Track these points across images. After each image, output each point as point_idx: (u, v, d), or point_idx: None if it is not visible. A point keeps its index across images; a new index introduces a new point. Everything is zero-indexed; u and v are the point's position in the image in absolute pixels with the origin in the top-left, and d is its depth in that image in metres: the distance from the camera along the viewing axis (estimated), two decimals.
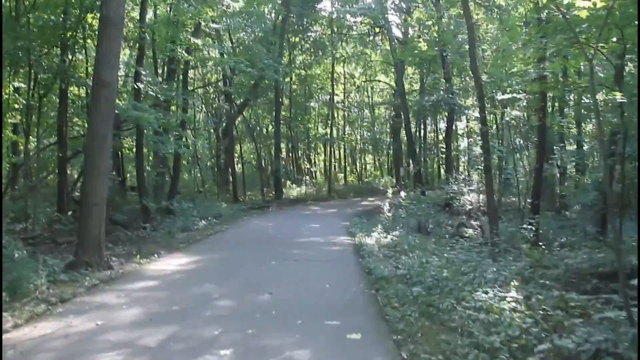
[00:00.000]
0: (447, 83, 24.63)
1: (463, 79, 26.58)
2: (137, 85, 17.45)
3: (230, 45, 31.40)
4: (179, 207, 20.64)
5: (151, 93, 19.08)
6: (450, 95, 23.78)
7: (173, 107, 24.87)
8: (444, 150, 34.25)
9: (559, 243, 15.40)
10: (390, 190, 19.56)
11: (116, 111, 13.26)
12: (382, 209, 19.85)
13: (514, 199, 21.54)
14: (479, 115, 25.20)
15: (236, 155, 41.01)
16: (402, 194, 18.94)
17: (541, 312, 7.21)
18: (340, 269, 11.51)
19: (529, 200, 19.92)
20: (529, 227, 16.49)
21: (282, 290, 9.30)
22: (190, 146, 38.76)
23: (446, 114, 26.58)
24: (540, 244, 15.58)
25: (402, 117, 28.21)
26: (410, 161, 35.01)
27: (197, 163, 39.35)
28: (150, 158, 27.09)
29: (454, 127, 27.19)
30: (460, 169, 31.63)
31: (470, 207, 21.12)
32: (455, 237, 17.51)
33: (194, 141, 35.68)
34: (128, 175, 29.27)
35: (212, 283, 9.74)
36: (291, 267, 11.56)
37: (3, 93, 23.23)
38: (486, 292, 8.34)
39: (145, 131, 18.84)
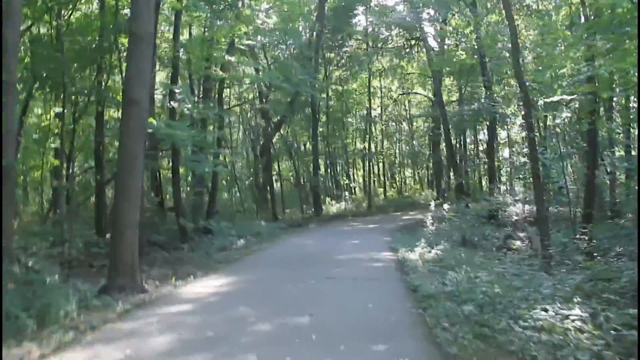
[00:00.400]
0: (488, 91, 23.79)
1: (503, 87, 25.65)
2: (171, 104, 17.11)
3: (266, 62, 31.12)
4: (217, 226, 20.22)
5: (187, 112, 18.80)
6: (492, 104, 22.92)
7: (210, 127, 24.60)
8: (485, 161, 33.34)
9: (616, 253, 14.44)
10: (432, 204, 18.77)
11: (150, 130, 12.88)
12: (425, 223, 19.07)
13: (563, 209, 20.58)
14: (522, 122, 24.42)
15: (274, 173, 40.81)
16: (445, 206, 18.14)
17: (612, 332, 6.42)
18: (384, 287, 10.80)
19: (579, 210, 19.00)
20: (582, 237, 15.60)
21: (322, 311, 8.68)
22: (228, 165, 38.91)
23: (487, 123, 25.67)
24: (595, 254, 14.69)
25: (442, 128, 27.35)
26: (452, 173, 34.17)
27: (235, 182, 39.44)
28: (189, 178, 26.88)
29: (495, 137, 26.18)
30: (503, 179, 30.49)
31: (517, 217, 20.17)
32: (503, 250, 16.68)
33: (232, 160, 35.65)
34: (167, 196, 29.19)
35: (248, 306, 9.16)
36: (332, 286, 10.92)
37: (45, 118, 23.56)
38: (545, 310, 7.59)
39: (182, 151, 18.57)
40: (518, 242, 17.35)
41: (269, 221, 28.33)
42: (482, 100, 24.17)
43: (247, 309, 8.89)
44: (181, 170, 23.32)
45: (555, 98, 14.79)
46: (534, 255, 15.46)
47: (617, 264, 12.51)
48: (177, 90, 17.75)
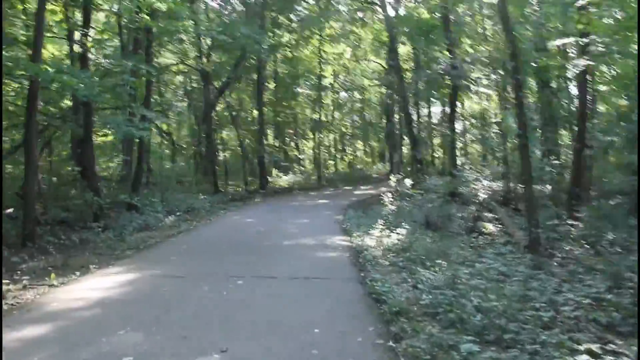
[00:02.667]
0: (451, 55, 20.83)
1: (466, 52, 22.64)
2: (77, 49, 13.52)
3: (206, 17, 27.47)
4: (142, 201, 16.82)
5: (104, 64, 15.27)
6: (455, 66, 19.98)
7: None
8: (443, 133, 30.55)
9: (608, 241, 11.76)
10: (393, 178, 15.76)
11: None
12: (382, 200, 16.11)
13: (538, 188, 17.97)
14: (488, 88, 21.55)
15: (219, 142, 37.27)
16: (407, 181, 15.19)
17: None
18: (336, 293, 7.68)
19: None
20: (566, 220, 12.94)
21: (243, 342, 5.55)
22: (172, 133, 35.30)
23: (448, 91, 22.70)
24: (584, 242, 12.01)
25: (398, 97, 24.28)
26: (404, 147, 31.44)
27: (179, 152, 35.80)
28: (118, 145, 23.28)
29: (455, 105, 23.23)
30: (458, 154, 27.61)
31: (483, 196, 17.37)
32: (473, 234, 13.87)
33: (169, 126, 32.00)
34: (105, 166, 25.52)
35: (136, 328, 6.00)
36: (264, 291, 7.75)
37: None
38: (594, 356, 4.66)
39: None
40: (490, 226, 14.55)
41: (210, 195, 25.04)
42: (444, 63, 21.13)
43: (131, 337, 5.71)
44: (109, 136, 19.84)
45: (567, 40, 11.80)
46: (512, 242, 12.71)
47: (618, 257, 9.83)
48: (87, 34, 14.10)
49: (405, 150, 38.74)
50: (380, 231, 13.41)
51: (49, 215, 14.46)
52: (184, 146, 34.19)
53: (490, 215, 16.26)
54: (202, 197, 22.58)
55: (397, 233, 13.10)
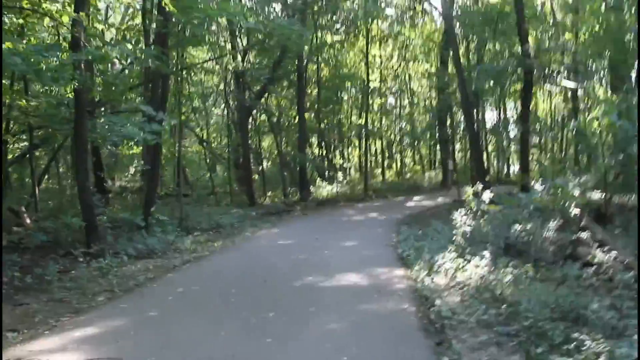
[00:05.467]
0: (523, 46, 16.78)
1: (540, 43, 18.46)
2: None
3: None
4: (148, 219, 13.36)
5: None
6: (529, 57, 16.02)
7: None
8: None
9: None
10: (469, 190, 11.81)
11: None
12: (452, 217, 12.20)
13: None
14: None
15: (254, 149, 33.90)
16: (487, 194, 11.27)
17: None
18: None
19: None
20: None
21: None
22: (211, 141, 32.04)
23: (517, 87, 18.62)
24: None
25: (459, 94, 20.23)
26: (459, 152, 27.43)
27: (216, 161, 32.56)
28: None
29: (530, 100, 19.03)
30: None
31: (576, 211, 13.21)
32: (576, 265, 9.85)
33: (202, 132, 28.76)
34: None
35: None
36: None
37: None
38: None
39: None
40: (597, 252, 10.47)
41: (244, 207, 21.57)
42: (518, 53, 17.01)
43: None
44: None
45: None
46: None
47: None
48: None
49: (457, 158, 34.70)
50: (451, 261, 9.61)
51: (29, 240, 11.12)
52: (224, 156, 30.88)
53: (585, 235, 12.17)
54: (233, 211, 19.12)
55: (474, 264, 9.30)
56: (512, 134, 33.69)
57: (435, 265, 9.55)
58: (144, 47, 16.32)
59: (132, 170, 21.34)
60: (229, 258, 11.23)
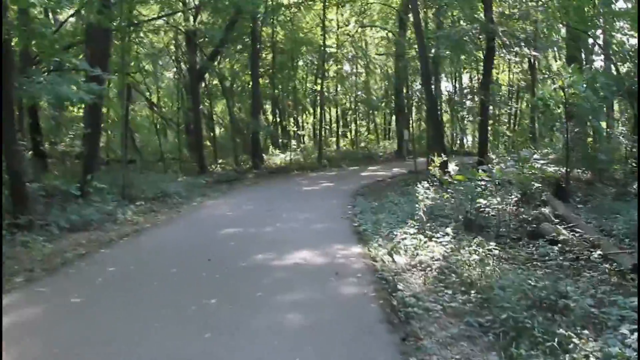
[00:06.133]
0: (487, 12, 16.07)
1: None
2: None
3: None
4: (86, 187, 12.21)
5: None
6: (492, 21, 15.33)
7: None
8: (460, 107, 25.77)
9: None
10: (435, 160, 10.98)
11: None
12: (415, 188, 11.52)
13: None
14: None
15: (215, 116, 32.63)
16: (452, 166, 10.58)
17: None
18: None
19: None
20: None
21: None
22: (161, 105, 30.50)
23: (474, 57, 17.95)
24: None
25: (419, 60, 19.35)
26: (416, 121, 26.85)
27: (169, 126, 31.14)
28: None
29: (491, 68, 18.39)
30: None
31: (538, 185, 12.67)
32: (539, 242, 9.30)
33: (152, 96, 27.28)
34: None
35: None
36: None
37: None
38: None
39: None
40: (561, 229, 9.94)
41: (195, 175, 20.52)
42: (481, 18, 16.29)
43: None
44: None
45: None
46: (614, 262, 8.14)
47: None
48: None
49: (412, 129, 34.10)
50: (412, 237, 8.93)
51: None
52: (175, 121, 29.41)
53: (547, 211, 11.68)
54: (181, 179, 18.07)
55: (437, 241, 8.65)
56: (467, 104, 33.40)
57: (394, 241, 8.88)
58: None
59: (72, 134, 19.85)
60: (172, 231, 10.28)
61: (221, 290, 6.14)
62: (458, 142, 36.67)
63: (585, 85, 11.63)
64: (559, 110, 12.59)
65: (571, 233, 9.63)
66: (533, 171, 9.74)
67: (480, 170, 10.07)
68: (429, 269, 7.22)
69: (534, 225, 10.18)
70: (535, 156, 11.08)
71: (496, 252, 8.21)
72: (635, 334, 4.57)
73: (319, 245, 8.59)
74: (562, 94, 11.75)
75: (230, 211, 12.63)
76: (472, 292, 6.01)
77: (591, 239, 9.21)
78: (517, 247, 8.94)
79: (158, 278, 6.66)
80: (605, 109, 13.08)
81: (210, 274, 6.84)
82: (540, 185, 12.37)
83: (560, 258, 8.08)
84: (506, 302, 5.25)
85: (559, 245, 8.91)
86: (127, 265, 7.32)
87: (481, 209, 10.40)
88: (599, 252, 8.23)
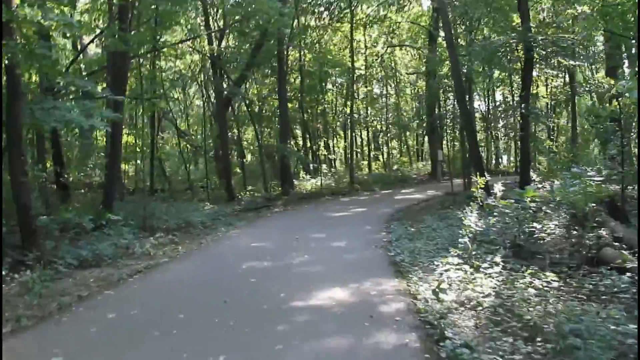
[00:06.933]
0: (525, 22, 14.97)
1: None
2: None
3: None
4: (98, 219, 11.35)
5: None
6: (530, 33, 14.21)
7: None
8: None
9: None
10: (479, 182, 9.73)
11: None
12: (461, 217, 10.33)
13: None
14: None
15: (246, 143, 31.95)
16: (497, 187, 9.45)
17: None
18: None
19: None
20: None
21: None
22: (181, 129, 29.89)
23: (518, 65, 16.74)
24: None
25: (452, 76, 18.25)
26: (453, 141, 25.62)
27: (198, 154, 30.62)
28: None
29: (531, 81, 17.16)
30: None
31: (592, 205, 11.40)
32: (601, 273, 8.04)
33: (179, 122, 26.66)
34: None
35: None
36: None
37: None
38: None
39: None
40: (627, 255, 8.66)
41: (223, 203, 19.69)
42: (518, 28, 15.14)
43: None
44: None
45: None
46: None
47: None
48: None
49: (446, 149, 32.84)
50: (456, 268, 7.80)
51: None
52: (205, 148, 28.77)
53: (605, 233, 10.37)
54: (207, 208, 17.22)
55: (485, 272, 7.51)
56: (500, 123, 32.09)
57: (436, 273, 7.75)
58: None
59: (91, 164, 19.25)
60: (190, 266, 9.29)
61: (234, 342, 5.11)
62: (493, 161, 35.31)
63: None
64: (609, 123, 11.32)
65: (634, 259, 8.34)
66: (590, 190, 8.47)
67: (530, 190, 8.88)
68: (479, 307, 6.10)
69: (594, 251, 8.91)
70: (589, 173, 9.82)
71: (555, 284, 7.06)
72: None
73: (350, 279, 7.52)
74: (617, 104, 10.53)
75: (255, 242, 11.62)
76: (538, 338, 4.88)
77: None
78: (578, 277, 7.70)
79: (162, 326, 5.65)
80: None
81: (223, 320, 5.82)
82: (594, 204, 11.12)
83: (633, 290, 6.87)
84: (590, 355, 4.11)
85: (628, 274, 7.68)
86: (130, 310, 6.33)
87: (532, 234, 9.23)
88: None
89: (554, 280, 7.11)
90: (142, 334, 5.46)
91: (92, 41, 16.46)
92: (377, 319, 5.73)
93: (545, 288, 6.82)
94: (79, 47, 20.21)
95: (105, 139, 17.39)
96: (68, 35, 11.82)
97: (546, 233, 9.54)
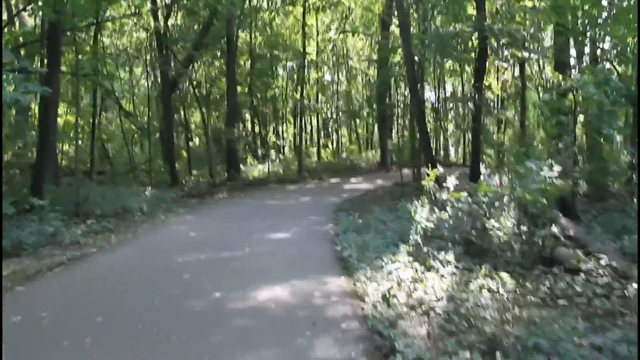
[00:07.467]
0: (479, 13, 14.55)
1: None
2: None
3: None
4: (27, 202, 10.32)
5: None
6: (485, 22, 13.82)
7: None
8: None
9: None
10: (430, 174, 9.16)
11: None
12: (388, 199, 9.86)
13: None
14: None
15: (194, 126, 30.89)
16: (451, 180, 8.94)
17: None
18: None
19: None
20: None
21: None
22: (138, 114, 28.56)
23: (471, 56, 16.38)
24: None
25: (404, 64, 17.70)
26: (401, 130, 25.31)
27: (142, 136, 29.26)
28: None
29: (485, 71, 16.78)
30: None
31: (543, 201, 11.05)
32: (555, 274, 7.64)
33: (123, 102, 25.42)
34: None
35: None
36: None
37: None
38: None
39: None
40: (580, 254, 8.31)
41: (166, 188, 18.73)
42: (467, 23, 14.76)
43: None
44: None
45: None
46: None
47: None
48: None
49: (396, 139, 32.55)
50: (406, 266, 7.30)
51: None
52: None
53: (555, 230, 10.04)
54: (147, 193, 16.27)
55: (437, 271, 7.05)
56: (451, 114, 32.00)
57: (385, 271, 7.20)
58: None
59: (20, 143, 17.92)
60: (119, 258, 8.44)
61: (155, 353, 4.41)
62: (442, 152, 35.20)
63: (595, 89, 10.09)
64: (563, 118, 11.00)
65: (594, 261, 7.98)
66: (552, 187, 8.04)
67: (486, 184, 8.43)
68: (432, 312, 5.57)
69: (548, 250, 8.53)
70: (543, 168, 9.44)
71: (509, 285, 6.63)
72: None
73: (293, 277, 6.89)
74: (572, 97, 10.20)
75: (194, 231, 10.84)
76: (497, 352, 4.37)
77: (618, 267, 7.62)
78: (532, 278, 7.28)
79: (74, 334, 4.87)
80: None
81: (147, 326, 5.08)
82: (544, 201, 10.79)
83: (589, 293, 6.49)
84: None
85: (582, 275, 7.33)
86: (40, 312, 5.50)
87: (484, 230, 8.78)
88: (634, 284, 6.72)
89: (507, 282, 6.71)
90: (47, 344, 4.66)
91: (22, 10, 15.20)
92: (320, 326, 5.11)
93: (498, 290, 6.39)
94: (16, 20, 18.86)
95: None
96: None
97: (499, 230, 9.11)
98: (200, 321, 5.27)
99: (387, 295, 5.65)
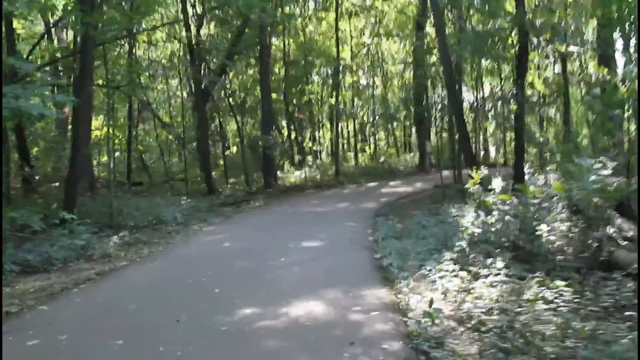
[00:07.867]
0: (519, 7, 13.85)
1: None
2: None
3: None
4: (55, 216, 10.04)
5: None
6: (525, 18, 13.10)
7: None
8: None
9: None
10: (475, 176, 8.57)
11: None
12: (428, 202, 9.25)
13: None
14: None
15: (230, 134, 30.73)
16: (497, 181, 8.33)
17: None
18: None
19: None
20: None
21: None
22: (163, 120, 28.49)
23: (513, 52, 15.60)
24: None
25: (441, 65, 17.12)
26: (441, 133, 24.59)
27: (178, 145, 29.20)
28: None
29: (526, 69, 15.95)
30: None
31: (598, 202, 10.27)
32: (617, 280, 6.93)
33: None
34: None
35: None
36: None
37: None
38: None
39: None
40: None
41: (199, 197, 18.46)
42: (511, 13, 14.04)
43: None
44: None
45: None
46: None
47: None
48: None
49: (434, 141, 31.71)
50: (451, 275, 6.71)
51: None
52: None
53: (611, 231, 9.26)
54: (184, 202, 16.02)
55: (486, 281, 6.43)
56: (491, 113, 31.06)
57: (427, 279, 6.64)
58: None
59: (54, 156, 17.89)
60: (148, 272, 8.05)
61: None
62: (482, 152, 34.23)
63: None
64: (616, 112, 10.21)
65: None
66: (604, 185, 7.33)
67: (531, 185, 7.79)
68: (483, 327, 4.97)
69: (606, 254, 7.79)
70: (595, 166, 8.70)
71: (568, 295, 5.96)
72: None
73: (329, 290, 6.38)
74: (625, 89, 9.44)
75: (227, 241, 10.43)
76: None
77: None
78: (591, 285, 6.59)
79: (92, 357, 4.46)
80: None
81: (170, 348, 4.63)
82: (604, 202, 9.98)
83: None
84: None
85: None
86: (59, 334, 5.09)
87: (534, 233, 8.10)
88: None
89: (564, 290, 6.04)
90: None
91: (55, 24, 15.16)
92: (359, 346, 4.57)
93: (555, 300, 5.75)
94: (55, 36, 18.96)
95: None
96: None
97: (552, 233, 8.40)
98: (226, 344, 4.79)
99: (431, 309, 5.07)
